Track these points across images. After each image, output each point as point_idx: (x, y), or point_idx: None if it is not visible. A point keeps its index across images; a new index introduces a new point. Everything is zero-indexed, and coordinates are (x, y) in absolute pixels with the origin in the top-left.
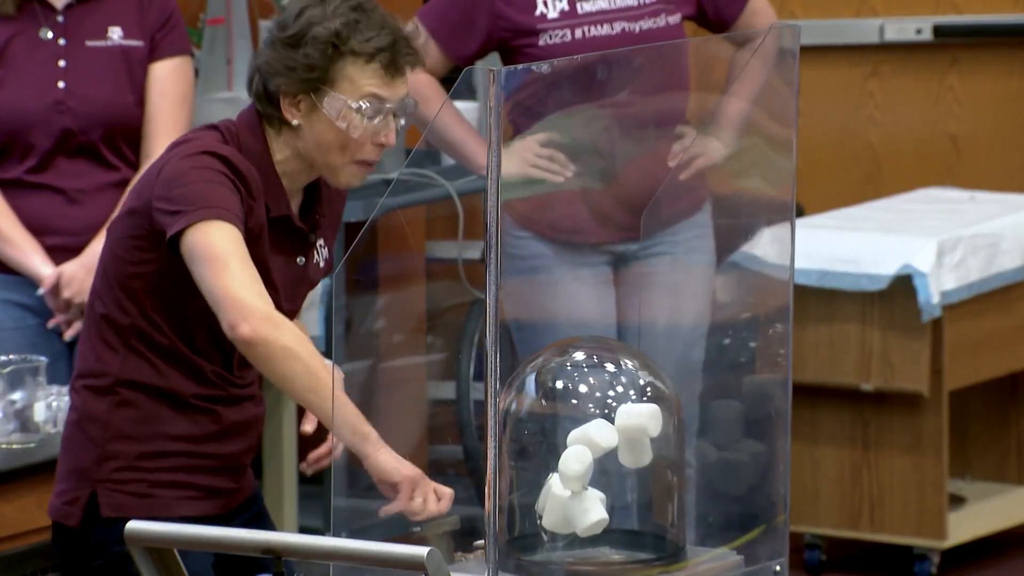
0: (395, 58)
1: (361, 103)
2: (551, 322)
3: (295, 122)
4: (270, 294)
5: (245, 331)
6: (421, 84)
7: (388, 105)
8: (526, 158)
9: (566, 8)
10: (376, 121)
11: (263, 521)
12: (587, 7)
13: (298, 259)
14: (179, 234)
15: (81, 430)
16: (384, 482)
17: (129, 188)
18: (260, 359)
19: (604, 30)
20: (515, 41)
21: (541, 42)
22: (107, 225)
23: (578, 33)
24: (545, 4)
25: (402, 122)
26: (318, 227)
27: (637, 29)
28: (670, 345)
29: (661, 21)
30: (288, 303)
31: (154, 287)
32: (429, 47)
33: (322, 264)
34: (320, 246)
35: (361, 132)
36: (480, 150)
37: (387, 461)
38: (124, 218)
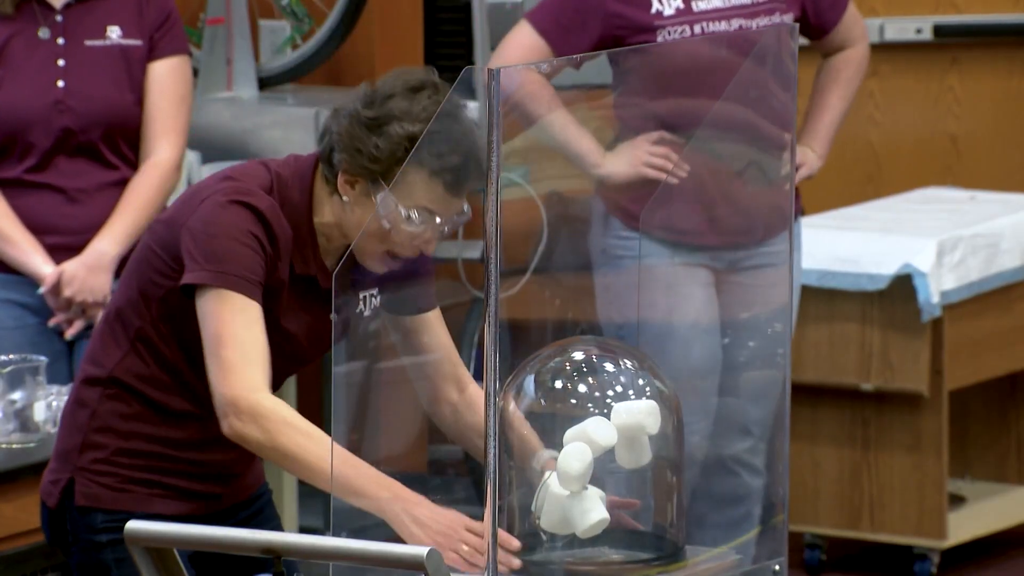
0: (459, 180)
1: (412, 212)
2: (666, 324)
3: (346, 199)
4: (289, 348)
5: (224, 429)
6: (533, 84)
7: (438, 219)
8: (639, 156)
9: (681, 6)
10: (421, 229)
11: (261, 522)
12: (702, 5)
13: (331, 315)
14: (194, 289)
15: (72, 414)
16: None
17: (130, 183)
18: (250, 450)
19: (722, 26)
20: (631, 39)
21: (660, 38)
22: (150, 223)
23: (696, 29)
24: (660, 1)
25: (445, 230)
26: (357, 283)
27: (754, 26)
28: (757, 354)
29: (776, 19)
30: (319, 354)
31: (171, 302)
32: (540, 48)
33: (367, 313)
34: (371, 296)
35: (402, 236)
36: (592, 148)
37: (409, 528)
38: (161, 225)
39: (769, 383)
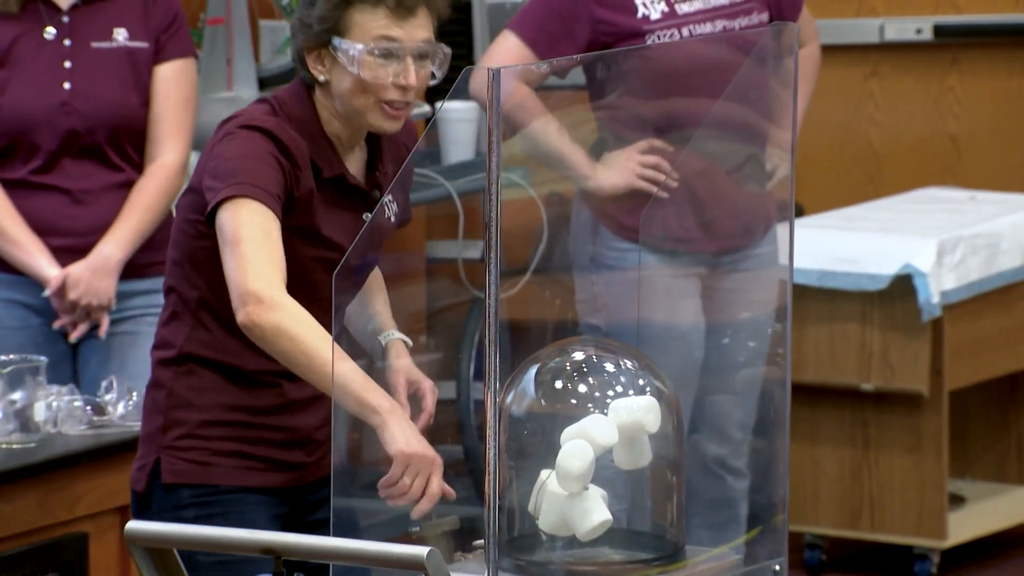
0: (402, 0)
1: (370, 45)
2: (653, 332)
3: (322, 78)
4: (333, 256)
5: (240, 317)
6: (520, 94)
7: (403, 45)
8: (631, 168)
9: (666, 9)
10: (393, 63)
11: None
12: (685, 8)
13: (364, 215)
14: (214, 211)
15: (151, 398)
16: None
17: (135, 186)
18: (258, 342)
19: (707, 28)
20: (619, 44)
21: (649, 42)
22: (176, 201)
23: (685, 32)
24: (645, 6)
25: (432, 67)
26: (381, 184)
27: (736, 27)
28: (740, 355)
29: (755, 19)
30: (358, 258)
31: (218, 260)
32: (526, 58)
33: (393, 219)
34: (388, 202)
35: (375, 74)
36: (582, 159)
37: (393, 435)
38: (186, 195)
39: (751, 383)
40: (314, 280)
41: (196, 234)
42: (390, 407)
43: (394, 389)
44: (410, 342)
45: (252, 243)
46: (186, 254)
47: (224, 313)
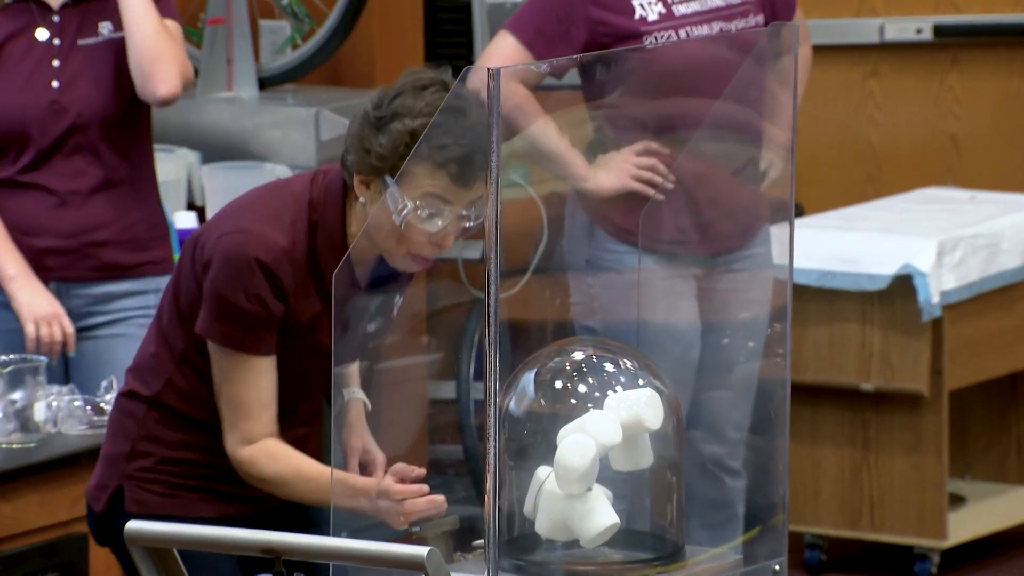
0: (465, 171)
1: (419, 203)
2: (650, 334)
3: (362, 199)
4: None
5: (234, 465)
6: (518, 96)
7: (453, 209)
8: (626, 170)
9: (663, 11)
10: (436, 222)
11: (306, 522)
12: (682, 9)
13: (370, 327)
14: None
15: (120, 421)
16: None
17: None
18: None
19: (705, 30)
20: (617, 45)
21: (648, 43)
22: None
23: (682, 34)
24: (643, 7)
25: (469, 224)
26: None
27: (733, 28)
28: (736, 356)
29: (752, 21)
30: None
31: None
32: (524, 59)
33: (395, 312)
34: (396, 299)
35: (415, 231)
36: (578, 161)
37: (371, 509)
38: (190, 248)
39: (747, 383)
40: (305, 375)
41: (191, 296)
42: (367, 500)
43: (348, 450)
44: (369, 405)
45: (231, 406)
46: (180, 303)
47: (204, 369)
